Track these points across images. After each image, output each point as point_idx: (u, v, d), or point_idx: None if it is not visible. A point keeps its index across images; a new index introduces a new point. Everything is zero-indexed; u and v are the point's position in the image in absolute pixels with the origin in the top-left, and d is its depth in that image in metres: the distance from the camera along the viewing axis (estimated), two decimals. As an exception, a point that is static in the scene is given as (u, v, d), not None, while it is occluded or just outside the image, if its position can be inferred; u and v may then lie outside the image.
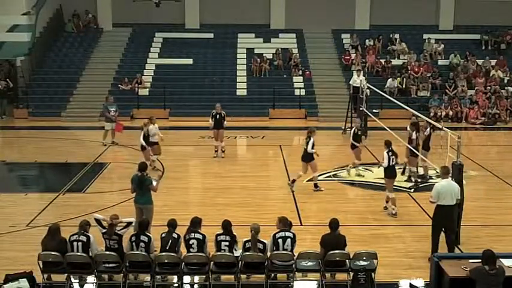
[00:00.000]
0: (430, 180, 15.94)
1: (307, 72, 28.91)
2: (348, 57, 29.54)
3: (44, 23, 29.71)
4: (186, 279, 10.25)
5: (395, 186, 14.10)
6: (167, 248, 9.80)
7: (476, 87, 27.51)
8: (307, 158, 15.23)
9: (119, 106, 21.61)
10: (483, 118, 25.89)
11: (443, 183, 10.95)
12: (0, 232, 12.49)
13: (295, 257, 9.82)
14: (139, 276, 10.30)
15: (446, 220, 10.95)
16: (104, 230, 10.07)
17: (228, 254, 9.80)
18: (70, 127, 24.66)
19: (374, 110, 22.55)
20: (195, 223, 10.04)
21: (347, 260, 9.83)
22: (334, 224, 10.03)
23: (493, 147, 23.10)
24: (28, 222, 13.10)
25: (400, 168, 15.88)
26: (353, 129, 17.17)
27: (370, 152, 18.91)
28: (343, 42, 31.20)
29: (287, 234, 9.93)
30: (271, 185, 16.59)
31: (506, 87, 27.63)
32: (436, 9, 32.03)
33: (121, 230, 10.10)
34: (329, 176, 16.95)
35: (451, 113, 26.16)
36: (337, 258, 9.82)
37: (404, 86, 27.60)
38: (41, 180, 17.90)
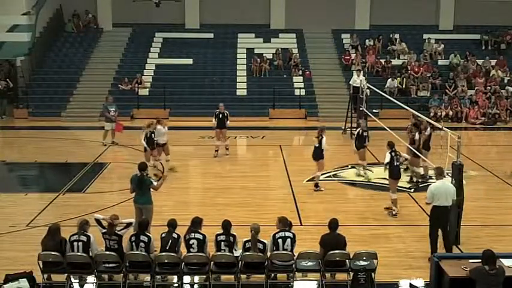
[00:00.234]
0: (430, 180, 15.89)
1: (307, 72, 28.91)
2: (348, 57, 29.54)
3: (44, 23, 29.71)
4: (186, 279, 10.25)
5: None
6: (167, 248, 9.80)
7: (476, 87, 27.51)
8: (318, 156, 15.35)
9: (119, 106, 21.62)
10: (483, 118, 25.90)
11: (438, 184, 11.00)
12: (0, 232, 12.50)
13: (295, 257, 9.82)
14: (139, 276, 10.30)
15: (442, 221, 10.98)
16: (104, 230, 10.07)
17: (228, 254, 9.80)
18: (70, 127, 24.66)
19: (374, 110, 22.54)
20: (196, 223, 10.04)
21: (347, 260, 9.83)
22: (333, 224, 10.03)
23: (493, 147, 23.10)
24: (28, 222, 13.10)
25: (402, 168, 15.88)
26: (358, 130, 17.11)
27: (370, 152, 18.88)
28: (343, 42, 31.20)
29: (287, 234, 9.93)
30: (271, 185, 16.60)
31: (506, 87, 27.65)
32: (436, 9, 32.03)
33: (121, 230, 10.09)
34: (329, 176, 16.94)
35: (451, 113, 26.16)
36: (337, 258, 9.82)
37: (404, 86, 27.60)
38: (41, 180, 17.90)
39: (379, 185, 15.94)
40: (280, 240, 9.84)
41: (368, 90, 21.22)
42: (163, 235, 9.97)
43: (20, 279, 9.59)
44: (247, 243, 9.83)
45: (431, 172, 16.23)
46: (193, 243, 9.80)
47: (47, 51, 29.91)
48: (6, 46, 27.44)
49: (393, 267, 10.82)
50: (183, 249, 9.99)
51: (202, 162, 19.09)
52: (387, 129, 17.14)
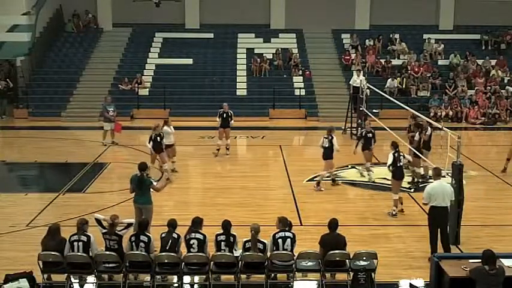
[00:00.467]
0: (430, 180, 15.87)
1: (307, 72, 28.91)
2: (348, 57, 29.54)
3: (44, 23, 29.71)
4: (186, 279, 10.25)
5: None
6: (167, 248, 9.80)
7: (476, 87, 27.51)
8: (328, 155, 15.45)
9: (118, 106, 21.65)
10: (483, 118, 25.90)
11: (434, 185, 11.02)
12: (0, 232, 12.50)
13: (295, 257, 9.82)
14: (139, 276, 10.30)
15: (440, 221, 10.99)
16: (104, 230, 10.07)
17: (228, 254, 9.80)
18: (70, 127, 24.66)
19: (374, 110, 22.54)
20: (196, 223, 10.04)
21: (347, 260, 9.83)
22: (333, 224, 10.03)
23: (493, 147, 23.09)
24: (28, 222, 13.10)
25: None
26: (363, 131, 17.03)
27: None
28: (343, 42, 31.20)
29: (287, 234, 9.93)
30: (271, 185, 16.60)
31: (506, 87, 27.65)
32: (436, 9, 32.02)
33: (121, 230, 10.09)
34: (329, 176, 16.91)
35: (451, 113, 26.17)
36: (337, 258, 9.82)
37: (404, 86, 27.60)
38: (41, 180, 17.90)
39: (379, 185, 15.94)
40: (280, 240, 9.84)
41: (368, 90, 21.22)
42: (163, 235, 9.97)
43: (20, 279, 9.59)
44: (247, 243, 9.83)
45: (431, 172, 16.24)
46: (193, 243, 9.80)
47: (47, 51, 29.91)
48: (6, 46, 27.46)
49: (393, 267, 10.82)
50: (183, 249, 9.99)
51: (202, 162, 19.10)
52: (387, 129, 17.14)
